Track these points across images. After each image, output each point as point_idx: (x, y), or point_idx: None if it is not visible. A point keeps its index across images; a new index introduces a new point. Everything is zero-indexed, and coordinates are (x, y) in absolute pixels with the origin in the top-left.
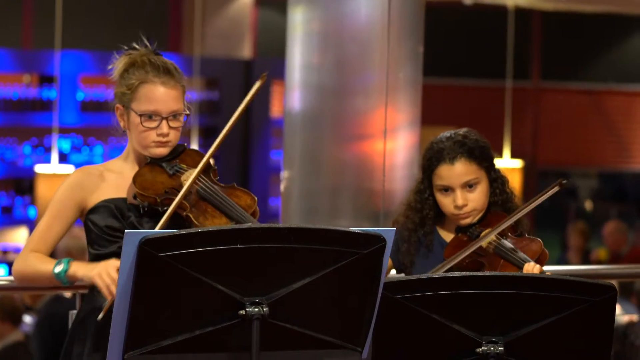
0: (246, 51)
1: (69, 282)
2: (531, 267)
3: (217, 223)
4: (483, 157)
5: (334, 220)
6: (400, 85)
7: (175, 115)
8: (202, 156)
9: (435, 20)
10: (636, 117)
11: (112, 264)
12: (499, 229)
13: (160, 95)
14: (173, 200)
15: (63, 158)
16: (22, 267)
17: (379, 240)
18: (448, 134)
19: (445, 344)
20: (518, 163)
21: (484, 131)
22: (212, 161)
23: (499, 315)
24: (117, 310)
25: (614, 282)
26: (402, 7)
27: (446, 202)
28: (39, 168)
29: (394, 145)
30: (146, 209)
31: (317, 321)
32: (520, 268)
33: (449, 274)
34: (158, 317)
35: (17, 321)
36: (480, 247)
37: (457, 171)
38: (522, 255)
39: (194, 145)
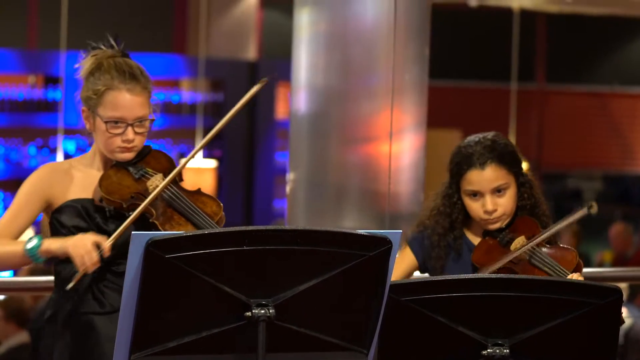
0: (251, 52)
1: (41, 258)
2: None
3: (183, 231)
4: (512, 162)
5: (339, 222)
6: (406, 87)
7: (141, 120)
8: (168, 158)
9: (440, 22)
10: None
11: (89, 236)
12: (535, 242)
13: (126, 102)
14: (139, 205)
15: (68, 159)
16: None
17: (385, 242)
18: (476, 139)
19: (450, 347)
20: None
21: None
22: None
23: (505, 317)
24: (123, 311)
25: (622, 284)
26: (408, 9)
27: (475, 207)
28: None
29: (399, 147)
30: (112, 212)
31: (323, 323)
32: None
33: (454, 277)
34: (164, 319)
35: (22, 322)
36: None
37: (487, 176)
38: (557, 266)
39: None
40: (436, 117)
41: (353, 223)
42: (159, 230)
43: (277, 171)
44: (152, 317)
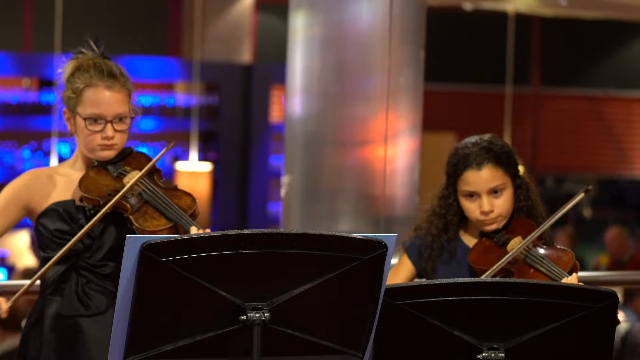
0: (246, 56)
1: None
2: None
3: (157, 224)
4: (509, 163)
5: (334, 226)
6: (401, 90)
7: (120, 118)
8: (148, 158)
9: (435, 25)
10: (635, 123)
11: None
12: (531, 239)
13: (104, 98)
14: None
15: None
16: None
17: (380, 246)
18: (473, 140)
19: (445, 350)
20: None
21: None
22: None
23: (500, 321)
24: (118, 314)
25: (618, 288)
26: (404, 12)
27: (472, 208)
28: None
29: (394, 150)
30: (92, 211)
31: (318, 327)
32: (552, 279)
33: (449, 280)
34: (159, 322)
35: (5, 326)
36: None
37: (483, 177)
38: (554, 266)
39: (194, 151)
40: (431, 121)
41: (348, 226)
42: (133, 225)
43: (271, 174)
44: (146, 320)
